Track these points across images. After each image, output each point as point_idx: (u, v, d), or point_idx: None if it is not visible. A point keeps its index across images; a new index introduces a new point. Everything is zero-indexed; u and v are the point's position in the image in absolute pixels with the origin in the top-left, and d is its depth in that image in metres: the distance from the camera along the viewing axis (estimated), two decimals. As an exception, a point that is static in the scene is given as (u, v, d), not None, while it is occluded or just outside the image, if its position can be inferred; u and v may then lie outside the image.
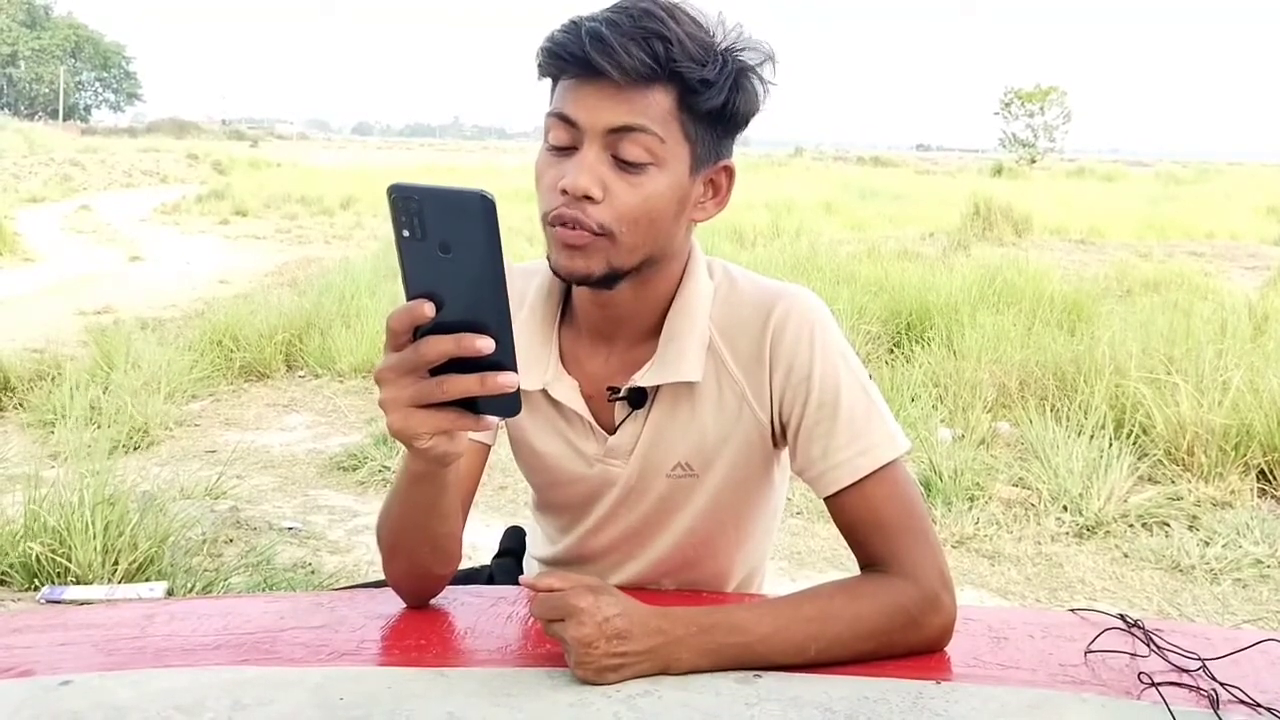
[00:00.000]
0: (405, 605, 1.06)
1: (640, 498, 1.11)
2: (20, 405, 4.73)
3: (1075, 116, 38.26)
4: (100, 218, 15.05)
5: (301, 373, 5.65)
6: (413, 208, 0.72)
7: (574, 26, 0.95)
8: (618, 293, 1.03)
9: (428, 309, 0.75)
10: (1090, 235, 12.16)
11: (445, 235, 0.72)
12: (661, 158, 0.96)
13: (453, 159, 40.51)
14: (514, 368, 0.77)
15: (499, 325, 0.75)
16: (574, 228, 0.95)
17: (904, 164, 40.27)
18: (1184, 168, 42.53)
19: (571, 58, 0.94)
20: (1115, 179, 29.81)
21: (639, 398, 1.07)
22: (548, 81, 1.00)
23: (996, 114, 38.60)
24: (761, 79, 1.00)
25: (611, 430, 1.09)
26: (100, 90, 79.15)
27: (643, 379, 1.06)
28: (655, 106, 0.95)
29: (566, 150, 0.97)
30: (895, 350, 5.64)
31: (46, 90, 70.84)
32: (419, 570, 1.03)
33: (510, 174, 25.63)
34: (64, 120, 62.95)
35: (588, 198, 0.95)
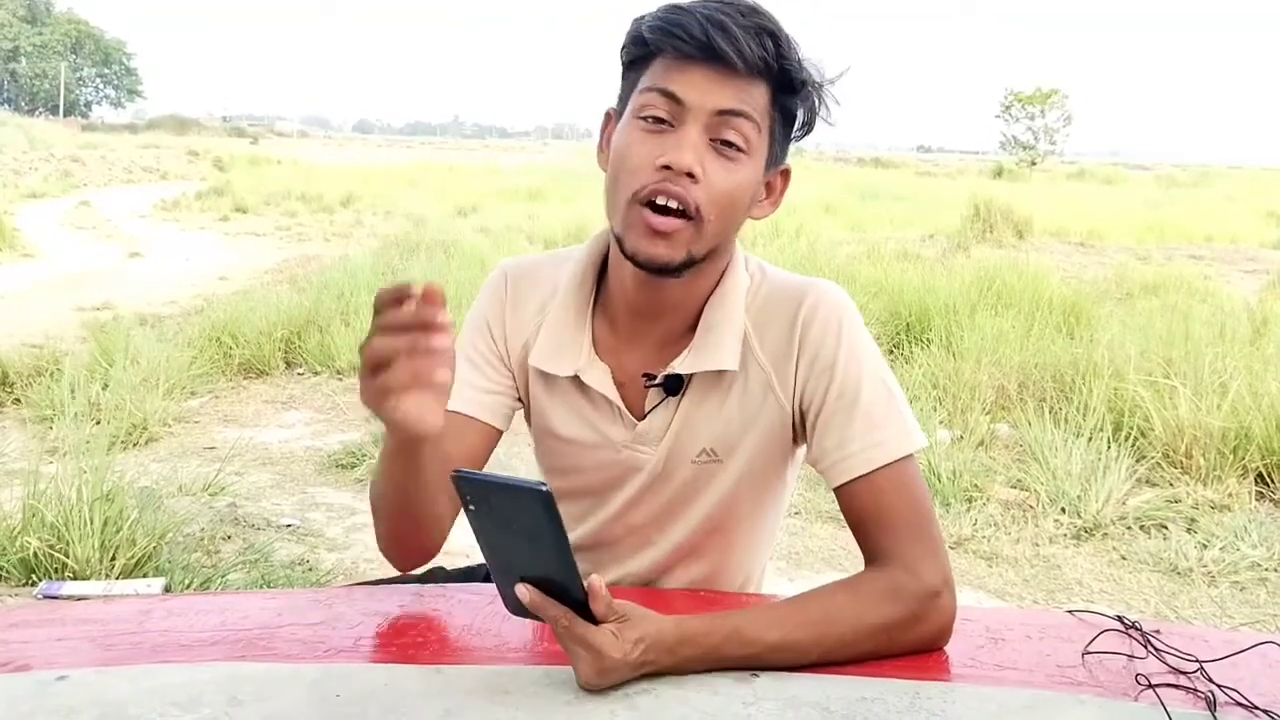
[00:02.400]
0: (397, 571, 1.12)
1: (665, 483, 1.12)
2: (19, 401, 4.72)
3: (1075, 119, 38.29)
4: (100, 214, 15.03)
5: (300, 370, 5.65)
6: (477, 492, 0.81)
7: (684, 12, 0.97)
8: (672, 282, 1.05)
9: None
10: (1090, 238, 12.16)
11: (508, 516, 0.81)
12: (754, 147, 1.00)
13: (453, 157, 40.47)
14: (582, 595, 0.84)
15: (566, 575, 0.83)
16: (665, 212, 0.97)
17: (904, 165, 40.25)
18: (1184, 171, 42.57)
19: (691, 39, 0.96)
20: (1115, 182, 29.85)
21: (675, 384, 1.09)
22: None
23: (997, 116, 38.66)
24: (834, 98, 1.05)
25: (640, 416, 1.11)
26: (101, 86, 79.14)
27: (681, 366, 1.08)
28: (759, 98, 0.99)
29: (660, 125, 0.99)
30: (894, 351, 5.65)
31: (48, 86, 70.80)
32: (404, 539, 1.08)
33: (509, 173, 25.63)
34: (64, 116, 62.84)
35: (689, 175, 0.97)
